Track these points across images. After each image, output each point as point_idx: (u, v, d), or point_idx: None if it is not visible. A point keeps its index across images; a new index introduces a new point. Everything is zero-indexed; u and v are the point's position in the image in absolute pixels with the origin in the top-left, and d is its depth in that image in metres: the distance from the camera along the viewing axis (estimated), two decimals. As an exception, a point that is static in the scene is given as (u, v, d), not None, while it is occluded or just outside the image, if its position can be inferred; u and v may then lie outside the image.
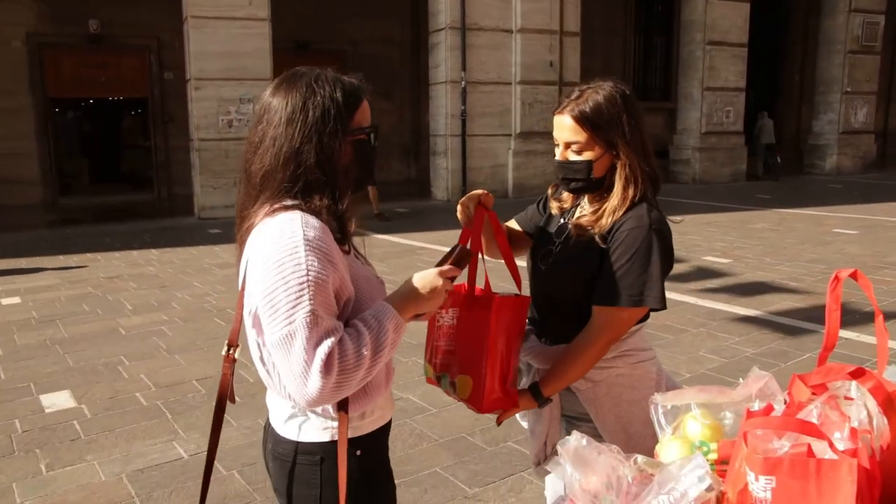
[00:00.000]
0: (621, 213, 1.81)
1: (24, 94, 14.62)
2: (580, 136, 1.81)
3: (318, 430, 1.48)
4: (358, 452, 1.50)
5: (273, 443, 1.56)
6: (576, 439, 1.23)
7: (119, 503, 3.15)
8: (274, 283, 1.33)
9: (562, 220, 1.98)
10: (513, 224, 2.13)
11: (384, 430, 1.60)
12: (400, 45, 18.32)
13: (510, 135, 14.79)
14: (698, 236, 9.78)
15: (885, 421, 1.14)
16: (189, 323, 5.95)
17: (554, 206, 2.04)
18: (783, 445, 1.10)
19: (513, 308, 1.78)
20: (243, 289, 1.44)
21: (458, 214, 1.86)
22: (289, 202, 1.42)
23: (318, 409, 1.46)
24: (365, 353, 1.36)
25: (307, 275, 1.32)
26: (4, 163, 14.33)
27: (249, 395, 4.32)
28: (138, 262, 8.72)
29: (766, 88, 22.50)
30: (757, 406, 1.26)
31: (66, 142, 17.59)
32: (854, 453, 1.04)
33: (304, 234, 1.35)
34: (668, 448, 1.34)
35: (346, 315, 1.43)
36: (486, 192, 1.84)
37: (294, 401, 1.42)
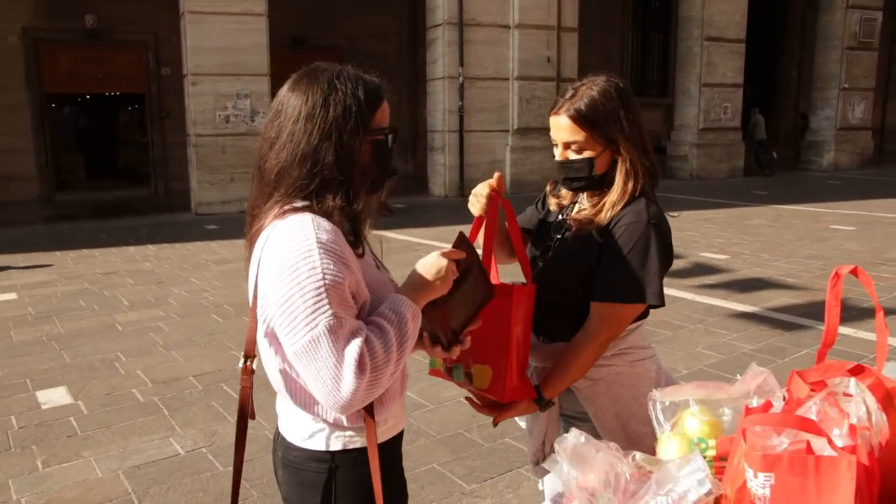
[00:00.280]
0: (620, 207, 1.80)
1: (20, 89, 14.58)
2: (578, 135, 1.79)
3: (331, 438, 1.45)
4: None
5: (284, 450, 1.52)
6: (574, 437, 1.22)
7: (115, 499, 3.14)
8: (290, 289, 1.29)
9: (560, 216, 1.97)
10: None
11: (398, 439, 1.58)
12: (397, 41, 18.29)
13: (508, 131, 14.78)
14: (696, 232, 9.78)
15: (884, 418, 1.14)
16: (186, 319, 5.94)
17: (552, 203, 2.02)
18: (782, 442, 1.10)
19: (528, 296, 1.76)
20: (255, 296, 1.40)
21: (471, 206, 1.85)
22: (299, 203, 1.38)
23: (331, 418, 1.43)
24: (392, 347, 1.33)
25: (323, 278, 1.28)
26: (0, 159, 14.28)
27: (246, 392, 4.31)
28: (135, 257, 8.70)
29: (763, 84, 22.51)
30: (755, 402, 1.25)
31: (62, 137, 17.53)
32: (853, 450, 1.04)
33: (317, 237, 1.31)
34: (667, 445, 1.33)
35: (362, 319, 1.39)
36: (499, 173, 1.83)
37: (322, 408, 1.40)
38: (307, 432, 1.46)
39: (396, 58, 18.13)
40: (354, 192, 1.41)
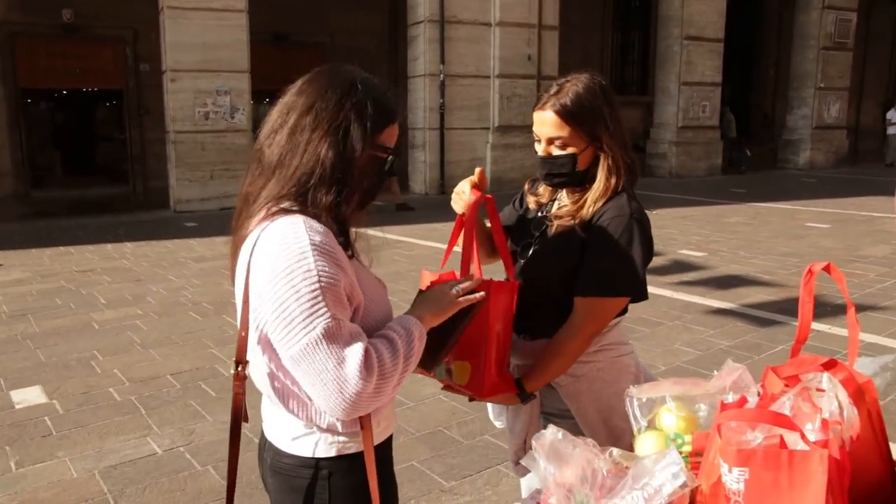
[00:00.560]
0: (602, 203, 1.81)
1: (-6, 84, 14.38)
2: (563, 130, 1.80)
3: (324, 444, 1.43)
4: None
5: (273, 457, 1.49)
6: (551, 433, 1.22)
7: (91, 500, 3.11)
8: (284, 293, 1.26)
9: (540, 214, 1.98)
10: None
11: (389, 441, 1.57)
12: (378, 38, 18.23)
13: (488, 128, 14.80)
14: (674, 230, 9.86)
15: (856, 412, 1.15)
16: (164, 317, 5.89)
17: (531, 201, 2.03)
18: (756, 437, 1.11)
19: (508, 293, 1.77)
20: (246, 300, 1.37)
21: (454, 204, 1.85)
22: (286, 204, 1.36)
23: (324, 424, 1.41)
24: (399, 358, 1.33)
25: (319, 280, 1.26)
26: (-25, 154, 14.09)
27: (225, 390, 4.29)
28: (112, 255, 8.61)
29: (741, 83, 22.72)
30: (731, 398, 1.27)
31: (38, 133, 17.29)
32: (825, 444, 1.05)
33: (311, 239, 1.29)
34: (644, 441, 1.35)
35: (357, 322, 1.37)
36: (480, 169, 1.84)
37: (317, 414, 1.39)
38: (299, 439, 1.44)
39: (377, 55, 18.07)
40: (347, 194, 1.39)
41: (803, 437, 1.06)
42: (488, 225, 2.00)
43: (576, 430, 1.85)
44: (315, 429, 1.43)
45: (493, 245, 1.97)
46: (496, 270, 1.93)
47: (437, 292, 1.52)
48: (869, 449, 1.17)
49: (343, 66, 1.47)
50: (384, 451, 1.54)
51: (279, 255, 1.29)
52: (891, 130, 20.03)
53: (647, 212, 1.87)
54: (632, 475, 1.15)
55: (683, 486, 1.11)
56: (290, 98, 1.44)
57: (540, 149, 1.86)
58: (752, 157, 18.49)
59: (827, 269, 1.34)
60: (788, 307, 5.92)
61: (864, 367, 1.28)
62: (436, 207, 12.06)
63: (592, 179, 1.84)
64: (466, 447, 3.55)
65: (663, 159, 17.63)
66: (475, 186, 1.81)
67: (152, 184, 15.18)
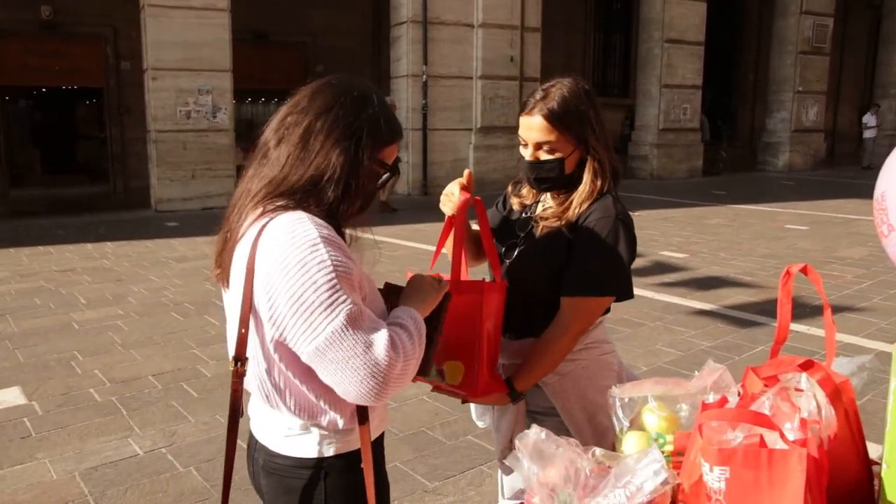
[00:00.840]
0: (588, 204, 1.84)
1: (-29, 81, 14.19)
2: (551, 135, 1.81)
3: (319, 445, 1.43)
4: (363, 466, 1.46)
5: (266, 458, 1.49)
6: (535, 433, 1.24)
7: (72, 502, 3.08)
8: (301, 286, 1.26)
9: (524, 215, 1.99)
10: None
11: (382, 439, 1.58)
12: (361, 38, 18.20)
13: (471, 129, 14.82)
14: (656, 231, 9.93)
15: (833, 412, 1.18)
16: (145, 317, 5.85)
17: (515, 203, 2.04)
18: (737, 437, 1.13)
19: (499, 292, 1.79)
20: (248, 297, 1.35)
21: (442, 206, 1.86)
22: (283, 202, 1.37)
23: (324, 422, 1.41)
24: (416, 340, 1.34)
25: (335, 269, 1.27)
26: (-49, 153, 13.89)
27: (207, 391, 4.27)
28: (93, 255, 8.53)
29: (721, 86, 22.92)
30: (712, 398, 1.29)
31: (17, 131, 17.08)
32: (803, 443, 1.07)
33: (319, 231, 1.30)
34: (626, 440, 1.36)
35: None
36: (469, 171, 1.86)
37: (321, 414, 1.39)
38: (295, 438, 1.45)
39: (360, 55, 18.04)
40: (352, 196, 1.41)
41: (782, 436, 1.08)
42: (474, 228, 2.01)
43: (561, 428, 1.87)
44: (312, 428, 1.43)
45: (479, 248, 1.99)
46: (480, 272, 1.95)
47: (416, 283, 1.53)
48: (846, 448, 1.20)
49: (363, 81, 1.51)
50: (378, 449, 1.55)
51: (289, 249, 1.29)
52: (867, 134, 20.32)
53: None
54: (614, 474, 1.16)
55: (665, 483, 1.13)
56: (304, 100, 1.44)
57: (527, 153, 1.87)
58: (725, 157, 18.70)
59: (804, 270, 1.36)
60: (768, 308, 5.99)
61: (841, 367, 1.30)
62: (419, 208, 12.05)
63: (577, 182, 1.87)
64: (450, 447, 3.56)
65: (644, 161, 17.74)
66: (463, 188, 1.83)
67: (133, 183, 15.05)
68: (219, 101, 12.33)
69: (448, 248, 1.88)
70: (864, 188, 12.46)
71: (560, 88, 1.82)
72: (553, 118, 1.80)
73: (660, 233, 9.86)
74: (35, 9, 14.36)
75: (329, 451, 1.44)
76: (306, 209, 1.36)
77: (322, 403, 1.40)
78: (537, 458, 1.21)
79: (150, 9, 11.75)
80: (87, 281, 7.14)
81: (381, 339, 1.28)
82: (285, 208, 1.36)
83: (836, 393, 1.19)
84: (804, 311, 5.60)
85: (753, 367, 1.28)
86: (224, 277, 1.46)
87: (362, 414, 1.42)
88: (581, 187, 1.85)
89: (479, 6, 14.39)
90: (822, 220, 11.09)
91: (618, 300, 1.87)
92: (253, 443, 1.56)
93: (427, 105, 14.15)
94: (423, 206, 12.11)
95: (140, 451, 3.53)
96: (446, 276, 1.74)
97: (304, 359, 1.31)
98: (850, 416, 1.20)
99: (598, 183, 1.85)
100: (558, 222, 1.85)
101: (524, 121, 1.85)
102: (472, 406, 2.10)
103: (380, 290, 1.55)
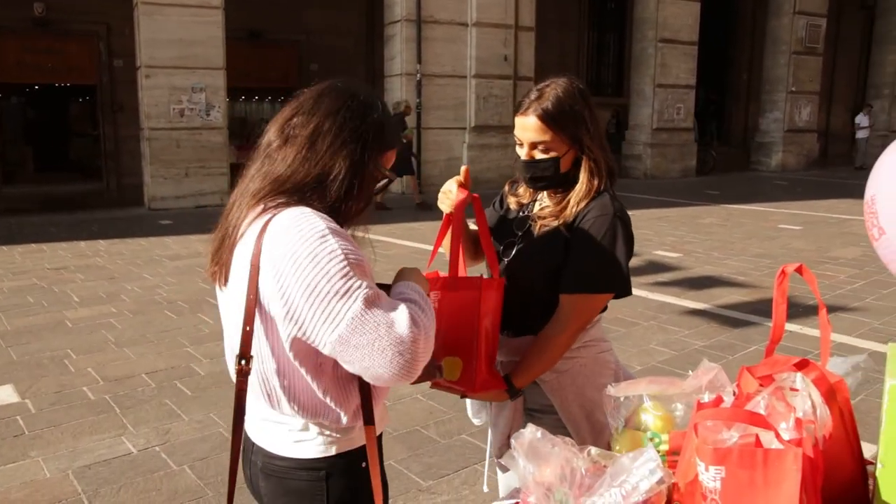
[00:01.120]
0: (585, 203, 1.84)
1: (-37, 78, 14.12)
2: (546, 135, 1.82)
3: (320, 445, 1.43)
4: (363, 464, 1.46)
5: (265, 460, 1.48)
6: (530, 432, 1.24)
7: (65, 500, 3.07)
8: (314, 277, 1.25)
9: (521, 213, 2.00)
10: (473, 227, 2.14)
11: (380, 438, 1.58)
12: (355, 37, 18.17)
13: (465, 128, 14.82)
14: (650, 230, 9.95)
15: (828, 411, 1.18)
16: (138, 315, 5.83)
17: (512, 202, 2.05)
18: (732, 436, 1.13)
19: (497, 289, 1.79)
20: (253, 295, 1.34)
21: (440, 204, 1.86)
22: (284, 199, 1.37)
23: (326, 421, 1.41)
24: (428, 312, 1.34)
25: (346, 258, 1.26)
26: (-57, 150, 13.81)
27: (200, 389, 4.26)
28: (86, 253, 8.50)
29: (714, 86, 22.98)
30: (707, 397, 1.29)
31: (9, 128, 17.01)
32: (799, 443, 1.08)
33: (326, 223, 1.30)
34: (622, 439, 1.36)
35: None
36: (466, 167, 1.87)
37: (327, 414, 1.39)
38: (296, 440, 1.44)
39: (354, 53, 18.02)
40: (354, 197, 1.41)
41: (778, 435, 1.09)
42: (472, 227, 2.02)
43: (558, 426, 1.88)
44: (313, 428, 1.43)
45: (477, 247, 1.99)
46: (478, 270, 1.95)
47: (402, 272, 1.52)
48: (841, 448, 1.20)
49: (358, 81, 1.52)
50: (378, 447, 1.54)
51: (298, 243, 1.28)
52: (859, 134, 20.39)
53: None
54: (610, 473, 1.17)
55: (660, 482, 1.13)
56: (309, 102, 1.45)
57: (522, 153, 1.88)
58: (716, 156, 18.79)
59: (799, 270, 1.37)
60: (762, 308, 6.01)
61: (835, 366, 1.31)
62: (413, 207, 12.04)
63: (574, 181, 1.87)
64: (444, 446, 3.56)
65: (638, 161, 17.78)
66: (461, 185, 1.83)
67: (126, 181, 15.00)
68: (212, 99, 12.30)
69: (445, 247, 1.88)
70: (856, 188, 12.51)
71: (555, 88, 1.82)
72: (547, 118, 1.80)
73: (654, 232, 9.88)
74: (28, 6, 14.29)
75: (331, 451, 1.44)
76: (309, 205, 1.36)
77: (328, 400, 1.39)
78: (533, 457, 1.21)
79: (143, 6, 11.72)
80: (81, 279, 7.12)
81: (402, 316, 1.26)
82: (287, 204, 1.36)
83: (830, 393, 1.19)
84: (797, 310, 5.62)
85: (748, 366, 1.29)
86: (221, 275, 1.45)
87: (367, 413, 1.42)
88: (578, 186, 1.86)
89: (472, 5, 14.39)
90: (816, 220, 11.13)
91: (617, 297, 1.88)
92: (249, 445, 1.54)
93: (421, 104, 14.15)
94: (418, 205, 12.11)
95: (133, 450, 3.52)
96: (444, 273, 1.74)
97: (326, 351, 1.29)
98: (844, 415, 1.21)
99: (595, 182, 1.85)
100: (556, 221, 1.86)
101: (519, 121, 1.85)
102: (468, 403, 2.10)
103: None
